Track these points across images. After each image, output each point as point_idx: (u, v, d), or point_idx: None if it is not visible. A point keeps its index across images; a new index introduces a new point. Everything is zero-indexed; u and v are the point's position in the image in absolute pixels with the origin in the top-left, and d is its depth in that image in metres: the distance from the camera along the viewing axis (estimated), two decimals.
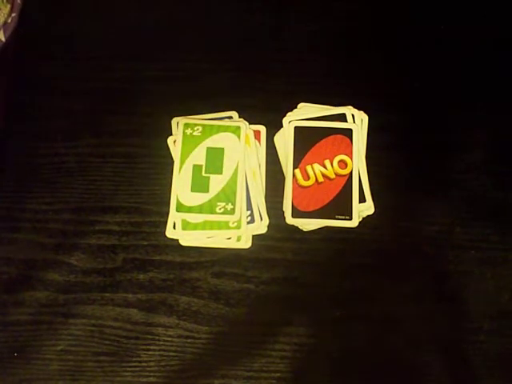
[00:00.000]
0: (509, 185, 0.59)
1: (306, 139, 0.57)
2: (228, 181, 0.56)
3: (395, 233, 0.58)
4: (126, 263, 0.56)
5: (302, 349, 0.54)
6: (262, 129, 0.59)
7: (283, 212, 0.57)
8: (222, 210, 0.55)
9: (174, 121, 0.58)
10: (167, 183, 0.57)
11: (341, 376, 0.55)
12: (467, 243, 0.57)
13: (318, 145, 0.57)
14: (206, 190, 0.56)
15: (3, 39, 0.52)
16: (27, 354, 0.54)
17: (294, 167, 0.57)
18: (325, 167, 0.57)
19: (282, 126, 0.58)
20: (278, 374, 0.54)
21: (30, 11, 0.62)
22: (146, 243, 0.57)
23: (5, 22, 0.52)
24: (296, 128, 0.57)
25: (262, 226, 0.56)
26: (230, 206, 0.55)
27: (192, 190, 0.56)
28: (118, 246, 0.57)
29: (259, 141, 0.58)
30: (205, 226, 0.55)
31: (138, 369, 0.54)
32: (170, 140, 0.58)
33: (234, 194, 0.55)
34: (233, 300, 0.56)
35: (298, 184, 0.56)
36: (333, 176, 0.56)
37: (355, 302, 0.56)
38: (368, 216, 0.57)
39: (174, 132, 0.58)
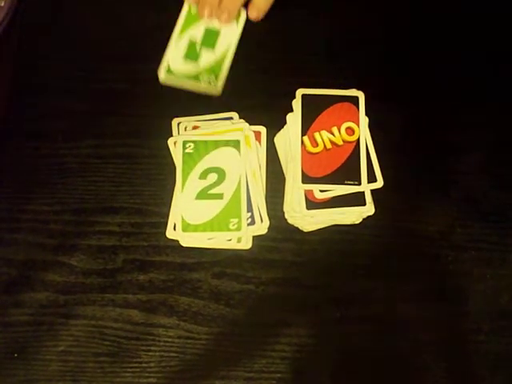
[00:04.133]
0: (508, 185, 0.59)
1: (313, 107, 0.57)
2: (217, 58, 0.57)
3: (395, 233, 0.58)
4: (126, 264, 0.56)
5: (302, 349, 0.55)
6: (263, 129, 0.59)
7: (283, 213, 0.57)
8: (207, 81, 0.57)
9: (175, 121, 0.58)
10: (168, 184, 0.57)
11: (341, 376, 0.55)
12: (467, 243, 0.57)
13: (325, 112, 0.57)
14: (196, 60, 0.58)
15: None
16: (27, 354, 0.54)
17: (303, 134, 0.57)
18: (332, 134, 0.57)
19: (282, 127, 0.58)
20: (279, 375, 0.54)
21: (30, 12, 0.62)
22: (146, 244, 0.57)
23: None
24: (303, 96, 0.58)
25: (262, 228, 0.56)
26: (213, 78, 0.57)
27: (184, 57, 0.58)
28: (119, 247, 0.57)
29: (259, 142, 0.58)
30: (205, 227, 0.55)
31: (138, 369, 0.54)
32: (170, 141, 0.57)
33: (220, 69, 0.57)
34: (233, 301, 0.56)
35: (306, 151, 0.56)
36: (340, 143, 0.57)
37: (355, 303, 0.56)
38: (368, 216, 0.57)
39: (174, 133, 0.58)
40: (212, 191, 0.56)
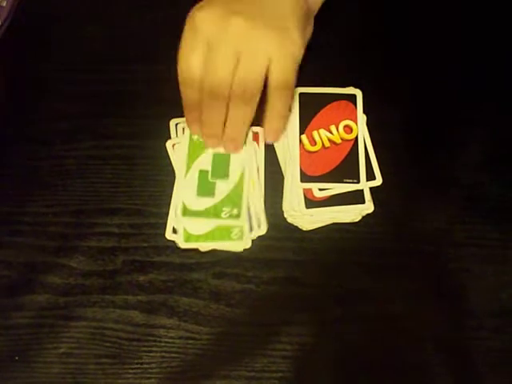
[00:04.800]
0: (508, 183, 0.59)
1: (311, 105, 0.58)
2: (234, 187, 0.55)
3: (395, 231, 0.58)
4: (125, 265, 0.56)
5: (303, 348, 0.54)
6: (261, 131, 0.58)
7: (282, 212, 0.57)
8: (228, 214, 0.55)
9: (173, 122, 0.58)
10: (167, 184, 0.57)
11: (342, 375, 0.54)
12: (467, 241, 0.57)
13: (323, 111, 0.58)
14: (212, 195, 0.55)
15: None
16: (28, 357, 0.54)
17: (301, 133, 0.57)
18: (330, 132, 0.57)
19: None
20: (280, 374, 0.54)
21: (30, 13, 0.62)
22: (145, 245, 0.57)
23: None
24: (301, 94, 0.58)
25: (260, 232, 0.56)
26: (235, 211, 0.55)
27: (198, 195, 0.55)
28: (118, 248, 0.57)
29: (258, 143, 0.58)
30: (207, 237, 0.55)
31: (139, 371, 0.54)
32: (168, 144, 0.57)
33: (240, 199, 0.55)
34: (233, 300, 0.55)
35: (305, 149, 0.57)
36: (339, 141, 0.57)
37: (356, 301, 0.56)
38: (368, 214, 0.57)
39: (172, 133, 0.58)
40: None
